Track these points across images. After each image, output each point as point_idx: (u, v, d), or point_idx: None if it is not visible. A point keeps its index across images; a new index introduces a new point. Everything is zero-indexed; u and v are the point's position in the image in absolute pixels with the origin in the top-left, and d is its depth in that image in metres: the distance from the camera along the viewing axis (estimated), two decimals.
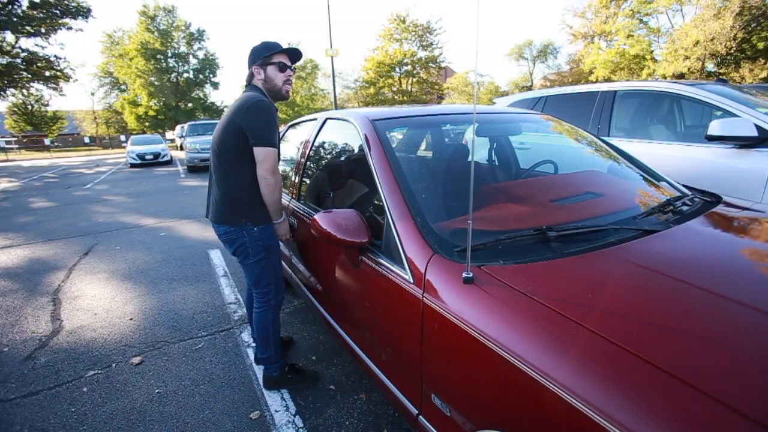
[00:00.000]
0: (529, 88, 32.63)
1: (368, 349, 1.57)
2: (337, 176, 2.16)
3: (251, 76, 1.88)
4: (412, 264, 1.21)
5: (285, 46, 1.87)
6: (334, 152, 2.41)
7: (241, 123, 1.72)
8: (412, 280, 1.20)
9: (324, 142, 2.39)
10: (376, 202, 1.59)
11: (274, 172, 1.76)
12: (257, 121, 1.71)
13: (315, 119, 2.46)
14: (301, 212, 2.15)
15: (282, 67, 1.85)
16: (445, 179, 1.91)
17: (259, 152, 1.73)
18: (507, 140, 2.44)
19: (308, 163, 2.35)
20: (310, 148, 2.34)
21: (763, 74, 18.02)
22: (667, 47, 20.28)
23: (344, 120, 2.02)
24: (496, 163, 2.43)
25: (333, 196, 2.13)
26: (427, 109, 2.10)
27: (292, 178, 2.46)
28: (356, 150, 1.98)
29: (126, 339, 2.59)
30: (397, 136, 2.31)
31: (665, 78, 19.59)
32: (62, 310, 3.02)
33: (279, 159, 1.96)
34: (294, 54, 1.91)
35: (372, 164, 1.54)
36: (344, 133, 2.17)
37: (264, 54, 1.83)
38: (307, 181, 2.36)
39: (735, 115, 2.64)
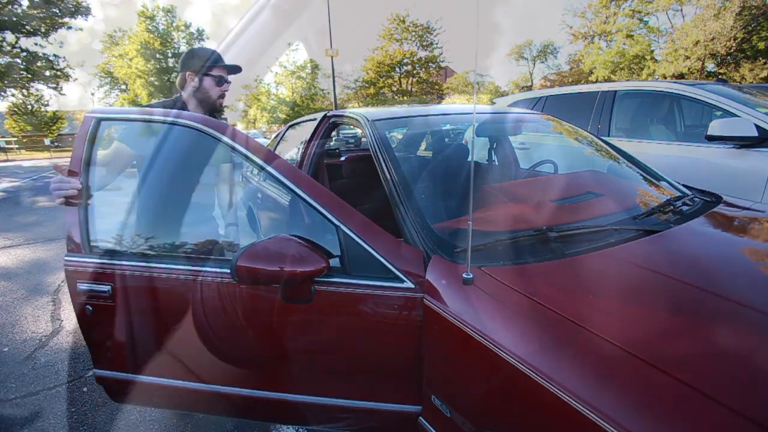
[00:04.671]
0: (529, 88, 32.60)
1: (341, 389, 1.30)
2: (337, 176, 2.16)
3: (183, 81, 1.80)
4: (412, 264, 1.21)
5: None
6: (333, 152, 2.41)
7: None
8: (411, 282, 1.20)
9: (324, 143, 2.39)
10: (375, 202, 1.59)
11: None
12: None
13: (315, 119, 2.46)
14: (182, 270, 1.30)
15: (219, 82, 1.81)
16: (444, 179, 1.90)
17: None
18: (507, 140, 2.44)
19: (308, 163, 2.35)
20: (310, 148, 2.34)
21: (763, 74, 18.03)
22: (667, 47, 20.30)
23: (344, 120, 2.02)
24: (496, 163, 2.43)
25: None
26: (427, 109, 2.10)
27: None
28: (356, 150, 1.98)
29: None
30: (397, 136, 2.31)
31: (665, 78, 19.59)
32: (62, 310, 3.02)
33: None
34: (233, 70, 1.86)
35: (372, 164, 1.54)
36: (344, 133, 2.16)
37: (205, 63, 1.76)
38: None
39: (735, 115, 2.64)
